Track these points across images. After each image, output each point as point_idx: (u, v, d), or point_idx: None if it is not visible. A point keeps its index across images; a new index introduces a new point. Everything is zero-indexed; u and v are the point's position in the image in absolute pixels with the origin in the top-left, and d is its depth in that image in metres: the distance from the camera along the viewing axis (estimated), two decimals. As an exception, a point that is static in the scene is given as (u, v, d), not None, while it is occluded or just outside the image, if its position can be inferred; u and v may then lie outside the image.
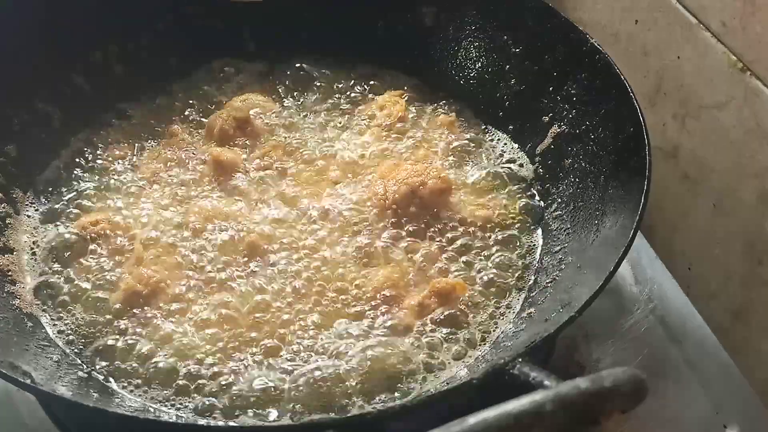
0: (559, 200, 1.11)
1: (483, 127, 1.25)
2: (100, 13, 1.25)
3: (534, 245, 1.09)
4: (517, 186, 1.16)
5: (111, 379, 0.93)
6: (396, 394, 0.91)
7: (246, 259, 1.04)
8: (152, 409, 0.90)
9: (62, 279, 1.02)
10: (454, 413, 0.65)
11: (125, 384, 0.92)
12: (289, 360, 0.94)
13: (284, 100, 1.29)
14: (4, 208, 1.08)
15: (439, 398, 0.83)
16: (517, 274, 1.05)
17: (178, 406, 0.90)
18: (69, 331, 0.97)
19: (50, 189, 1.14)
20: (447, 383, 0.92)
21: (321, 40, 1.34)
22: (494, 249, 1.07)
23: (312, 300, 1.00)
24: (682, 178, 1.23)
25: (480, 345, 0.97)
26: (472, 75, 1.29)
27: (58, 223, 1.09)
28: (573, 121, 1.13)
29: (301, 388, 0.91)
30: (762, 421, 1.04)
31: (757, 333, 1.12)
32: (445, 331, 0.97)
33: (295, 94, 1.30)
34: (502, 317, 1.00)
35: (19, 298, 0.99)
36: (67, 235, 1.07)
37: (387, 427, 0.83)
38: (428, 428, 0.64)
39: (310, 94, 1.30)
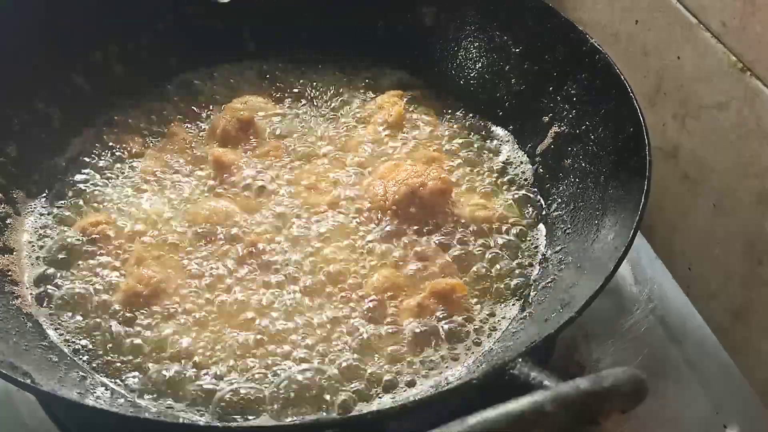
0: (559, 200, 1.11)
1: (483, 127, 1.25)
2: (100, 13, 1.25)
3: (534, 245, 1.09)
4: (517, 186, 1.16)
5: (111, 379, 0.93)
6: (396, 395, 0.92)
7: (246, 259, 1.04)
8: (152, 409, 0.90)
9: (62, 279, 1.02)
10: (454, 413, 0.65)
11: (125, 383, 0.92)
12: (287, 360, 0.94)
13: (284, 100, 1.29)
14: (4, 208, 1.08)
15: (439, 398, 0.83)
16: (517, 274, 1.05)
17: (178, 405, 0.91)
18: (69, 331, 0.97)
19: (50, 189, 1.14)
20: (447, 383, 0.92)
21: (321, 40, 1.34)
22: (494, 249, 1.07)
23: (311, 300, 1.00)
24: (682, 178, 1.23)
25: (480, 345, 0.97)
26: (472, 75, 1.29)
27: (58, 223, 1.10)
28: (573, 121, 1.13)
29: (300, 387, 0.91)
30: (762, 421, 1.04)
31: (757, 333, 1.13)
32: (444, 331, 0.97)
33: (294, 94, 1.30)
34: (501, 317, 1.00)
35: (19, 298, 0.99)
36: (67, 236, 1.07)
37: (387, 427, 0.83)
38: (428, 428, 0.64)
39: (310, 94, 1.30)
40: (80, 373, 0.93)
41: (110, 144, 1.20)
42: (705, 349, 1.11)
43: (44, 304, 1.00)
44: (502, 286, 1.03)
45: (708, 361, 1.09)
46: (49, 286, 1.02)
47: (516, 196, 1.15)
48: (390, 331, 0.97)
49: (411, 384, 0.93)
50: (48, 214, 1.11)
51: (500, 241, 1.08)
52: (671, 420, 1.02)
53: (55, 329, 0.97)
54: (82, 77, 1.24)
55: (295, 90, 1.31)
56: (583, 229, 1.04)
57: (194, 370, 0.93)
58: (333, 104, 1.28)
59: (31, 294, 1.01)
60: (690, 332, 1.12)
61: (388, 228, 1.07)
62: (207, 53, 1.33)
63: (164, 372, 0.93)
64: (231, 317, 0.98)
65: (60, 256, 1.05)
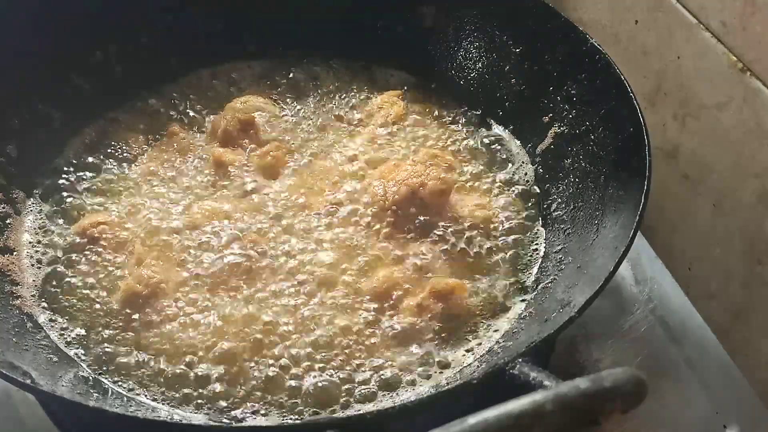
0: (559, 200, 1.11)
1: (483, 127, 1.25)
2: (100, 13, 1.24)
3: (534, 245, 1.09)
4: (516, 186, 1.16)
5: (111, 379, 0.93)
6: (396, 395, 0.92)
7: (246, 258, 1.04)
8: (152, 409, 0.90)
9: (62, 279, 1.02)
10: (454, 413, 0.65)
11: (125, 384, 0.93)
12: (288, 360, 0.94)
13: (284, 100, 1.29)
14: (4, 208, 1.08)
15: (440, 398, 0.83)
16: (516, 275, 1.05)
17: (178, 405, 0.91)
18: (69, 332, 0.97)
19: (50, 189, 1.14)
20: (447, 383, 0.92)
21: (321, 41, 1.34)
22: (494, 249, 1.07)
23: (311, 301, 1.00)
24: (682, 178, 1.23)
25: (480, 345, 0.97)
26: (472, 75, 1.29)
27: (58, 223, 1.10)
28: (573, 121, 1.13)
29: (300, 388, 0.91)
30: (762, 421, 1.04)
31: (757, 333, 1.13)
32: (444, 331, 0.97)
33: (295, 94, 1.30)
34: (502, 318, 1.00)
35: (19, 298, 0.99)
36: (67, 236, 1.07)
37: (387, 427, 0.83)
38: (428, 428, 0.64)
39: (310, 94, 1.30)
40: (80, 373, 0.93)
41: (110, 144, 1.20)
42: (705, 349, 1.11)
43: (44, 304, 1.00)
44: (502, 286, 1.03)
45: (708, 361, 1.09)
46: (48, 286, 1.02)
47: (516, 196, 1.15)
48: (390, 331, 0.97)
49: (411, 384, 0.93)
50: (48, 214, 1.11)
51: (500, 241, 1.08)
52: (671, 420, 1.02)
53: (56, 329, 0.98)
54: (82, 77, 1.24)
55: (296, 90, 1.31)
56: (583, 229, 1.04)
57: (194, 369, 0.93)
58: (333, 104, 1.28)
59: (31, 294, 1.01)
60: (690, 332, 1.12)
61: (388, 228, 1.07)
62: (207, 53, 1.32)
63: (164, 372, 0.93)
64: (231, 316, 0.98)
65: (60, 256, 1.05)
